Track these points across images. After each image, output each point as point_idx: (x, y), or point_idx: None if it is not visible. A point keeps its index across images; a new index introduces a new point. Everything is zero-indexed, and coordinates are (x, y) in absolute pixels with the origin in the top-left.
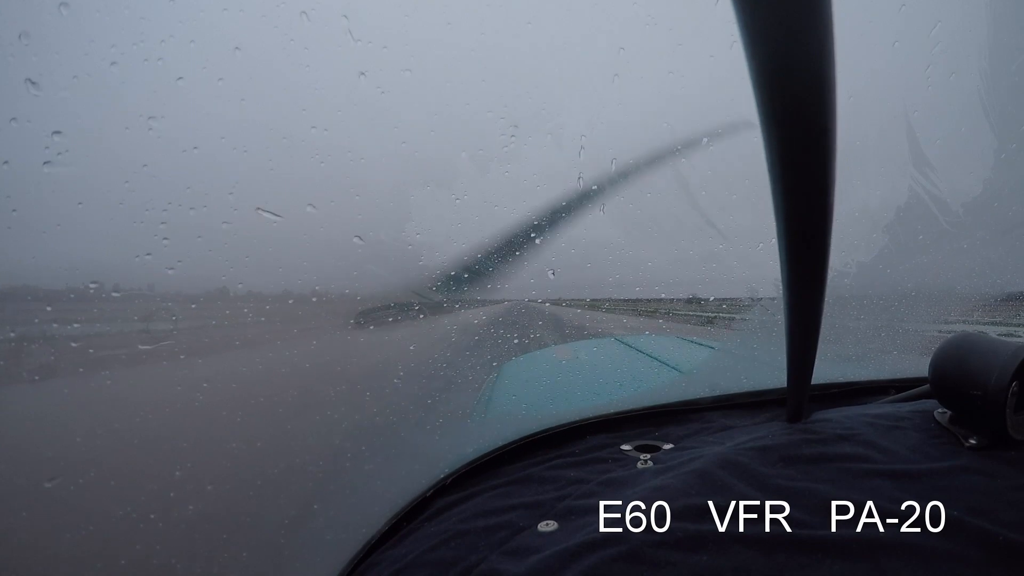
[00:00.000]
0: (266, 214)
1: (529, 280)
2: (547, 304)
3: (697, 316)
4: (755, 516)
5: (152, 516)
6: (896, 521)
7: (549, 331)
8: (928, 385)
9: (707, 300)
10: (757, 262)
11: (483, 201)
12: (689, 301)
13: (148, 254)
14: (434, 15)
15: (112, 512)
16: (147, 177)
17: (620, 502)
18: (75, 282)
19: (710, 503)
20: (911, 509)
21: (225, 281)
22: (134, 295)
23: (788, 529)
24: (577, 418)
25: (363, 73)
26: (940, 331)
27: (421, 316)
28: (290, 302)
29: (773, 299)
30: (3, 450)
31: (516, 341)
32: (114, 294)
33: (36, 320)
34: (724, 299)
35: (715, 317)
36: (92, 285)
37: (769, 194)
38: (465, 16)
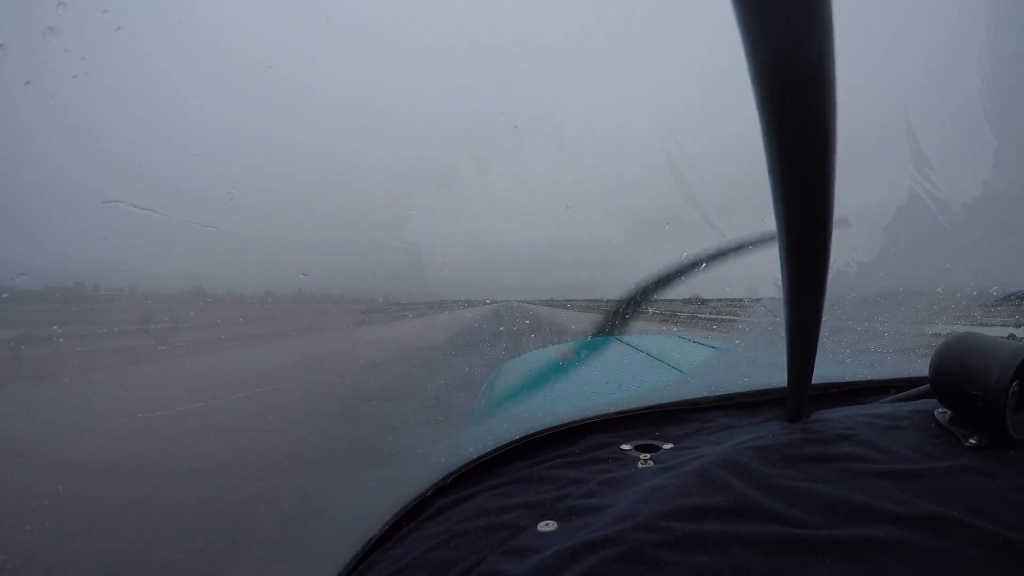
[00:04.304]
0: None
1: (522, 280)
2: (531, 306)
3: (696, 317)
4: (755, 516)
5: (154, 516)
6: (896, 521)
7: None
8: (928, 385)
9: (707, 300)
10: (757, 262)
11: (481, 201)
12: (688, 301)
13: (143, 255)
14: (434, 16)
15: (114, 513)
16: (144, 177)
17: (620, 502)
18: (65, 281)
19: (710, 503)
20: (911, 509)
21: (225, 282)
22: (132, 296)
23: (788, 529)
24: (577, 418)
25: (363, 73)
26: (940, 331)
27: (418, 316)
28: (290, 302)
29: (773, 299)
30: None
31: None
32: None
33: (30, 320)
34: (725, 299)
35: (715, 318)
36: (108, 286)
37: (769, 193)
38: (465, 18)
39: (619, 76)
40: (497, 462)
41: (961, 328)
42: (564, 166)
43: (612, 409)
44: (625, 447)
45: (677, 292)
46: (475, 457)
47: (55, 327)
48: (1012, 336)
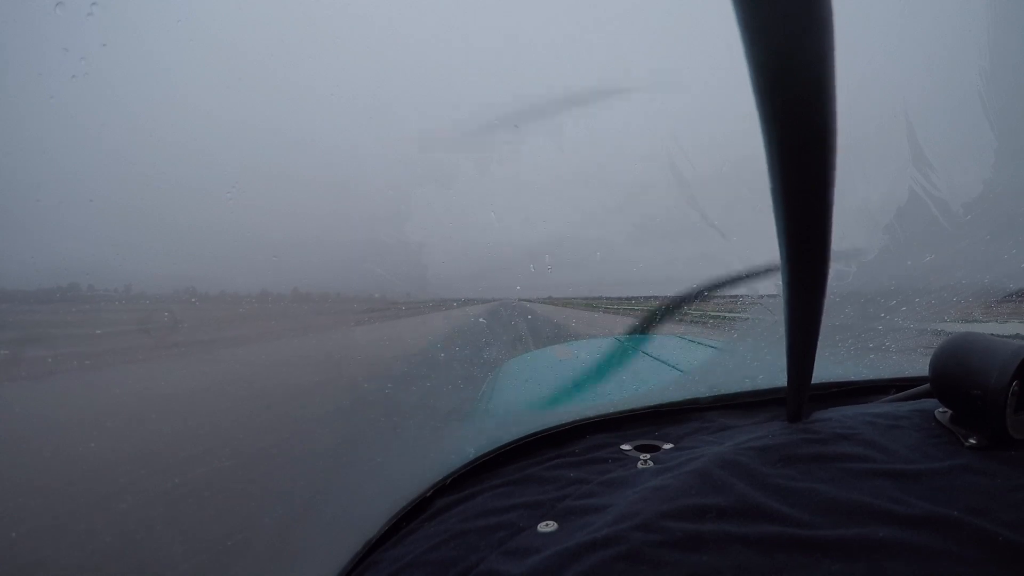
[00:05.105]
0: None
1: (521, 279)
2: (531, 304)
3: (709, 315)
4: (755, 516)
5: (153, 517)
6: (896, 521)
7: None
8: (928, 385)
9: (707, 299)
10: (756, 261)
11: (481, 200)
12: (688, 300)
13: (146, 257)
14: (435, 16)
15: (113, 513)
16: (142, 177)
17: (620, 502)
18: (60, 281)
19: (710, 503)
20: (911, 509)
21: (223, 282)
22: (128, 296)
23: (788, 529)
24: (577, 418)
25: (363, 74)
26: (940, 331)
27: (417, 314)
28: (288, 301)
29: (773, 297)
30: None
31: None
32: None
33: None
34: (726, 297)
35: (715, 317)
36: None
37: (769, 193)
38: (466, 18)
39: (619, 76)
40: (497, 462)
41: (961, 327)
42: (564, 166)
43: (612, 409)
44: (625, 447)
45: (679, 289)
46: (475, 457)
47: (53, 328)
48: (998, 333)
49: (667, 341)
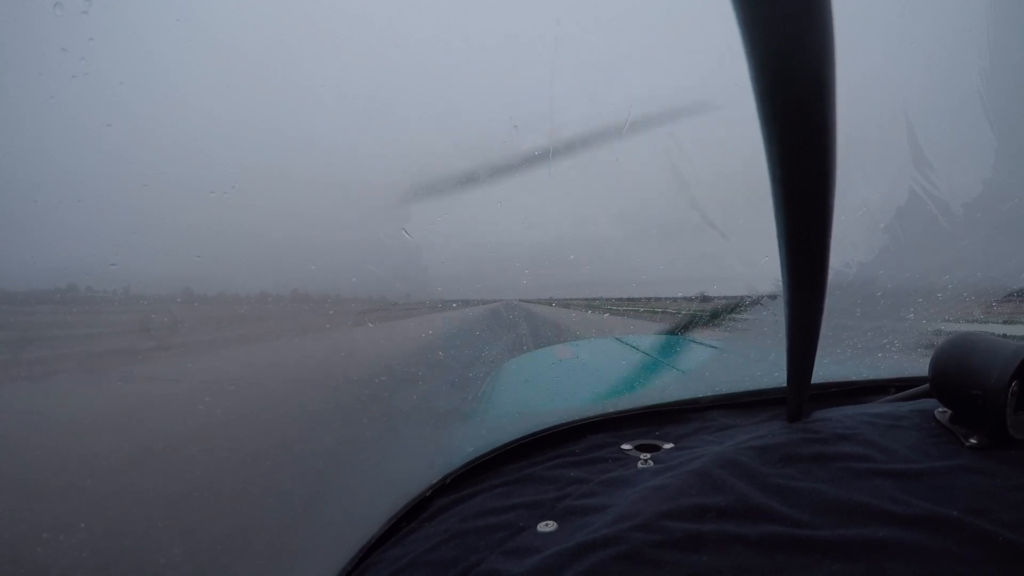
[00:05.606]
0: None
1: (521, 280)
2: (531, 304)
3: (699, 315)
4: (755, 516)
5: (152, 516)
6: (896, 521)
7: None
8: (928, 384)
9: (709, 298)
10: (757, 261)
11: (481, 200)
12: (690, 300)
13: (141, 258)
14: (435, 16)
15: (112, 513)
16: (142, 177)
17: (620, 502)
18: (58, 283)
19: (710, 503)
20: (911, 509)
21: (220, 282)
22: (127, 297)
23: (788, 529)
24: (577, 418)
25: (362, 73)
26: (940, 330)
27: (417, 315)
28: (287, 302)
29: (773, 297)
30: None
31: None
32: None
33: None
34: (725, 297)
35: (715, 316)
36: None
37: (769, 192)
38: (465, 17)
39: (619, 75)
40: (497, 462)
41: (961, 327)
42: (563, 165)
43: (612, 409)
44: (625, 447)
45: (684, 289)
46: (474, 457)
47: (52, 328)
48: (1012, 335)
49: (667, 341)
